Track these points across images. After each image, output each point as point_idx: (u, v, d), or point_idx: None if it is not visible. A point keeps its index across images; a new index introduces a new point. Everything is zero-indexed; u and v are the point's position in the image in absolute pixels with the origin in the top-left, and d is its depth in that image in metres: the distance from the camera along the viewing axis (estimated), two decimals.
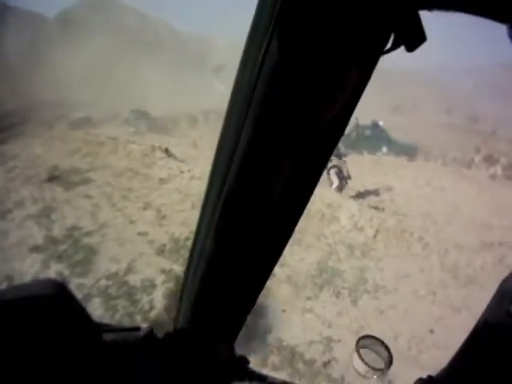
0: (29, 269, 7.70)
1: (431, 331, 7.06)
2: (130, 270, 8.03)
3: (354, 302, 7.81)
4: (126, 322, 6.51)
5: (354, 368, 1.29)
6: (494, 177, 21.53)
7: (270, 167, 0.93)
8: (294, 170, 0.94)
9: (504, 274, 1.16)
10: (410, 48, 0.70)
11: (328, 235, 10.56)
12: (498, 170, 22.40)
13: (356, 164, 17.04)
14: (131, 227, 9.84)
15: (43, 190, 11.40)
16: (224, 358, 1.53)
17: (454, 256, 9.78)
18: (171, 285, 7.64)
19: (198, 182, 12.69)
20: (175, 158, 15.96)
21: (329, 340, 6.67)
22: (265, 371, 1.65)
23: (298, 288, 8.06)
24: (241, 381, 1.56)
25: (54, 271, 7.70)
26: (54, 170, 12.98)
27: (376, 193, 16.69)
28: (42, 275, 7.52)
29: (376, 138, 27.78)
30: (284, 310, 7.35)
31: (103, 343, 1.04)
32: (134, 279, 7.74)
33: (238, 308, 1.35)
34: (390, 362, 1.29)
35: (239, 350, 1.56)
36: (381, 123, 28.47)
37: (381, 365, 1.30)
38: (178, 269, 8.07)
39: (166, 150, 16.06)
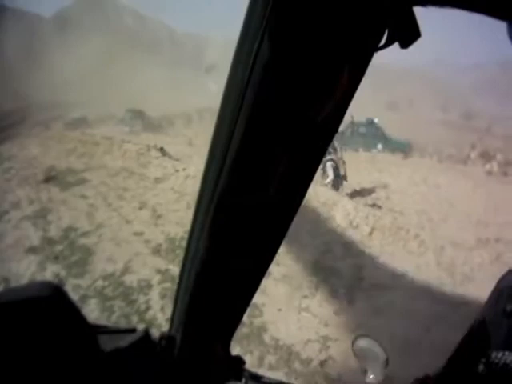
0: (25, 270, 7.70)
1: (428, 329, 7.07)
2: (126, 270, 8.03)
3: (351, 300, 7.82)
4: (123, 323, 6.51)
5: (351, 367, 1.29)
6: (490, 173, 21.60)
7: (263, 166, 0.93)
8: (288, 169, 0.94)
9: (501, 271, 1.15)
10: (405, 44, 0.70)
11: (323, 233, 10.57)
12: (494, 166, 22.48)
13: (351, 161, 17.05)
14: (127, 227, 9.84)
15: (39, 191, 11.40)
16: (219, 359, 1.53)
17: (451, 253, 9.79)
18: (167, 285, 7.64)
19: (193, 180, 12.68)
20: (170, 156, 15.98)
21: (325, 339, 6.67)
22: (261, 371, 1.66)
23: (293, 287, 8.06)
24: (237, 380, 1.55)
25: (50, 272, 7.71)
26: (50, 170, 12.98)
27: (371, 191, 16.72)
28: (39, 276, 7.53)
29: (371, 136, 27.90)
30: (280, 309, 7.35)
31: (98, 345, 1.04)
32: (131, 279, 7.74)
33: (233, 308, 1.35)
34: (386, 362, 1.29)
35: (235, 350, 1.56)
36: (376, 120, 28.60)
37: (377, 364, 1.29)
38: (174, 269, 8.07)
39: (161, 149, 16.10)
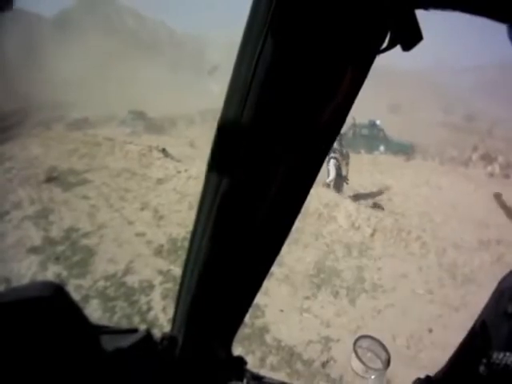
0: (26, 270, 7.69)
1: (430, 330, 7.06)
2: (127, 270, 8.03)
3: (352, 301, 7.81)
4: (124, 323, 6.51)
5: (352, 368, 1.29)
6: (491, 175, 21.55)
7: (266, 166, 0.93)
8: (290, 170, 0.94)
9: (502, 272, 1.16)
10: (407, 47, 0.70)
11: (325, 235, 10.56)
12: (496, 168, 22.44)
13: (353, 163, 17.04)
14: (129, 228, 9.84)
15: (41, 191, 11.41)
16: (221, 359, 1.53)
17: (452, 255, 9.78)
18: (169, 285, 7.64)
19: (195, 181, 12.69)
20: (172, 158, 15.97)
21: (327, 340, 6.66)
22: (263, 371, 1.66)
23: (295, 288, 8.06)
24: (238, 381, 1.56)
25: (51, 272, 7.70)
26: (51, 170, 12.99)
27: (373, 193, 16.70)
28: (40, 277, 7.52)
29: (373, 137, 27.85)
30: (282, 310, 7.34)
31: (100, 346, 1.04)
32: (132, 280, 7.73)
33: (235, 308, 1.35)
34: (387, 362, 1.29)
35: (237, 351, 1.56)
36: (378, 122, 28.52)
37: (379, 365, 1.30)
38: (176, 269, 8.07)
39: (163, 150, 16.08)
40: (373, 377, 1.26)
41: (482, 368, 1.04)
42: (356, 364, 1.31)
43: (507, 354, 0.98)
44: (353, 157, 16.87)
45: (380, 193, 16.93)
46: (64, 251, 8.48)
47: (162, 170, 14.07)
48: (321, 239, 10.29)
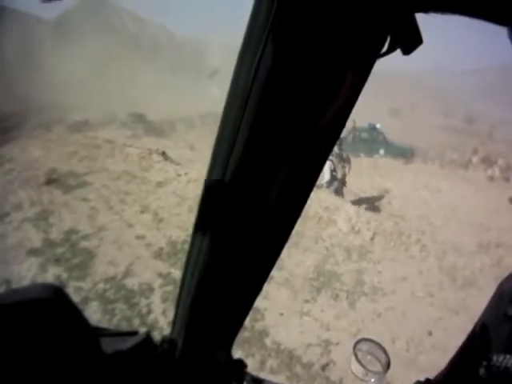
0: (26, 272, 7.69)
1: (429, 333, 7.05)
2: (127, 273, 8.03)
3: (352, 304, 7.81)
4: (124, 326, 6.51)
5: (352, 371, 1.29)
6: (491, 178, 21.53)
7: (266, 170, 0.93)
8: (290, 173, 0.94)
9: (502, 275, 1.16)
10: (407, 51, 0.70)
11: (325, 238, 10.56)
12: (496, 171, 22.42)
13: (353, 167, 17.04)
14: (129, 230, 9.84)
15: (41, 193, 11.41)
16: (221, 362, 1.53)
17: (452, 258, 9.78)
18: (169, 288, 7.64)
19: (195, 185, 12.69)
20: (172, 161, 15.97)
21: (327, 343, 6.66)
22: (262, 375, 1.66)
23: (295, 291, 8.06)
24: None
25: (51, 274, 7.70)
26: (51, 173, 12.99)
27: (374, 198, 16.68)
28: (40, 278, 7.53)
29: (373, 141, 27.82)
30: (282, 313, 7.34)
31: (100, 348, 1.04)
32: (132, 283, 7.74)
33: (235, 312, 1.35)
34: (387, 365, 1.29)
35: (237, 354, 1.56)
36: (378, 126, 28.51)
37: (378, 368, 1.30)
38: (176, 272, 8.07)
39: (163, 154, 16.08)
40: (373, 380, 1.26)
41: (482, 370, 1.04)
42: (356, 367, 1.31)
43: (507, 356, 0.98)
44: (353, 160, 16.87)
45: (380, 197, 16.91)
46: (64, 253, 8.48)
47: (162, 173, 14.07)
48: (321, 243, 10.29)
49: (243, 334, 6.39)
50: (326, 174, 14.13)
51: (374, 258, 9.68)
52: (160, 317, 6.88)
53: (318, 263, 9.19)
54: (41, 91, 37.59)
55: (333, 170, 14.33)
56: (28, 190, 11.52)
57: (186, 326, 1.37)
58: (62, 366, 0.90)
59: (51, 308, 0.88)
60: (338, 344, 6.63)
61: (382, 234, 10.79)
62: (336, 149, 13.97)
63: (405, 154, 26.86)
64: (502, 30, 0.67)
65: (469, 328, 1.20)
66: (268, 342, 6.57)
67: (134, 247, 9.04)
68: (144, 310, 7.00)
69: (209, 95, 49.98)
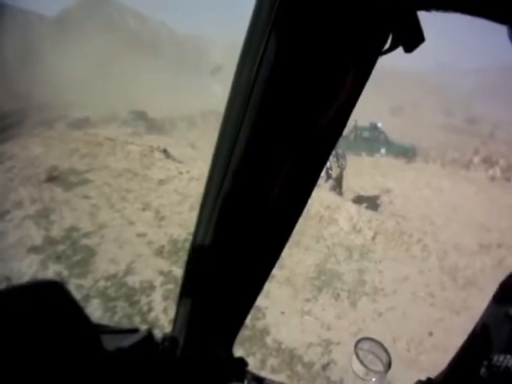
0: (27, 269, 7.70)
1: (430, 333, 7.06)
2: (128, 271, 8.04)
3: (353, 304, 7.81)
4: (125, 324, 6.51)
5: (353, 370, 1.29)
6: (492, 178, 21.49)
7: (268, 169, 0.93)
8: (292, 172, 0.94)
9: (503, 276, 1.15)
10: (409, 49, 0.70)
11: (326, 237, 10.56)
12: (497, 171, 22.38)
13: (354, 166, 17.03)
14: (130, 228, 9.85)
15: (42, 191, 11.42)
16: (222, 360, 1.53)
17: (453, 258, 9.78)
18: (170, 286, 7.64)
19: (197, 183, 12.71)
20: (174, 159, 15.99)
21: (328, 342, 6.66)
22: (263, 373, 1.64)
23: (296, 290, 8.06)
24: (239, 382, 1.55)
25: (52, 272, 7.70)
26: (52, 170, 13.01)
27: (375, 197, 16.65)
28: (41, 276, 7.52)
29: (374, 140, 27.77)
30: (283, 312, 7.34)
31: (101, 345, 1.04)
32: (133, 280, 7.74)
33: (236, 310, 1.35)
34: (388, 365, 1.29)
35: (237, 353, 1.56)
36: (379, 125, 28.45)
37: (380, 367, 1.29)
38: (177, 270, 8.08)
39: (165, 151, 16.09)
40: (374, 379, 1.26)
41: (482, 370, 1.03)
42: (357, 366, 1.30)
43: (508, 356, 0.98)
44: (354, 159, 16.87)
45: (381, 196, 16.87)
46: (65, 251, 8.49)
47: (164, 170, 14.09)
48: (322, 242, 10.29)
49: (244, 333, 6.39)
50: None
51: (375, 258, 9.69)
52: (161, 315, 6.88)
53: (319, 262, 9.20)
54: (41, 89, 37.58)
55: (329, 168, 14.33)
56: (29, 187, 11.53)
57: (188, 324, 1.36)
58: (62, 362, 0.90)
59: (52, 304, 0.88)
60: (338, 344, 6.63)
61: (384, 233, 10.79)
62: None
63: (406, 153, 26.80)
64: (504, 29, 0.66)
65: (470, 328, 1.19)
66: (269, 340, 6.57)
67: (135, 245, 9.05)
68: (145, 308, 7.00)
69: (210, 93, 49.95)
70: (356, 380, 1.27)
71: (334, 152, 14.82)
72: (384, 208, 14.99)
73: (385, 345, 1.34)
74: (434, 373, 1.35)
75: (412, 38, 0.69)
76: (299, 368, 6.06)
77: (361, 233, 10.92)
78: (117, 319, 6.60)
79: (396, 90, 77.98)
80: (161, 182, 13.18)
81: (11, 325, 0.80)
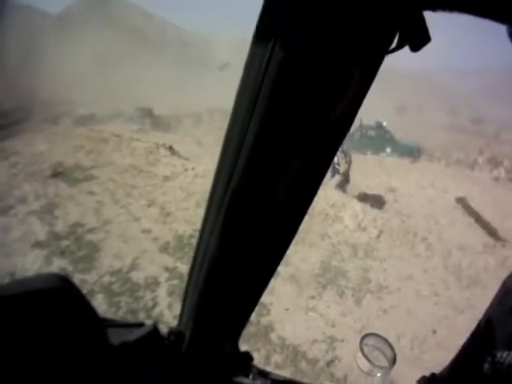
0: (31, 264, 7.70)
1: (434, 331, 7.06)
2: (133, 266, 8.04)
3: (358, 301, 7.82)
4: (129, 319, 6.52)
5: (358, 366, 1.30)
6: (497, 179, 21.46)
7: (275, 166, 0.94)
8: (299, 169, 0.94)
9: (506, 275, 1.16)
10: (415, 48, 0.71)
11: (331, 235, 10.57)
12: (502, 172, 22.36)
13: (360, 164, 17.01)
14: (135, 224, 9.86)
15: (46, 186, 11.42)
16: (228, 354, 1.54)
17: (457, 257, 9.78)
18: (175, 282, 7.65)
19: (202, 180, 12.72)
20: (179, 155, 16.01)
21: (332, 339, 6.68)
22: (267, 369, 1.65)
23: (301, 287, 8.07)
24: (245, 376, 1.56)
25: (56, 267, 7.70)
26: (57, 166, 13.01)
27: (380, 196, 16.63)
28: (45, 271, 7.53)
29: (380, 139, 27.75)
30: (287, 309, 7.35)
31: (108, 339, 1.05)
32: (138, 276, 7.75)
33: (242, 305, 1.36)
34: (393, 360, 1.30)
35: (242, 348, 1.57)
36: (385, 124, 28.42)
37: (384, 363, 1.30)
38: (182, 266, 8.08)
39: (170, 148, 16.10)
40: (378, 374, 1.26)
41: (486, 366, 1.04)
42: (362, 361, 1.31)
43: (511, 353, 0.99)
44: (359, 158, 16.85)
45: (386, 195, 16.84)
46: (69, 246, 8.50)
47: (169, 167, 14.10)
48: (327, 239, 10.30)
49: (249, 329, 6.40)
50: None
51: (379, 256, 9.70)
52: (165, 310, 6.89)
53: (324, 259, 9.21)
54: (46, 85, 37.46)
55: (336, 164, 14.34)
56: (33, 183, 11.53)
57: (194, 318, 1.37)
58: (69, 355, 0.91)
59: (59, 297, 0.88)
60: (343, 341, 6.65)
61: (388, 231, 10.80)
62: None
63: (411, 152, 26.76)
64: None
65: (473, 327, 1.20)
66: (273, 337, 6.59)
67: (140, 241, 9.06)
68: (149, 304, 7.01)
69: (216, 90, 49.83)
70: (360, 376, 1.28)
71: (341, 148, 14.85)
72: (389, 206, 15.00)
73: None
74: (437, 371, 1.36)
75: (418, 38, 0.71)
76: (303, 364, 6.08)
77: (366, 231, 10.94)
78: (121, 314, 6.61)
79: (400, 89, 77.75)
80: (166, 178, 13.19)
81: (16, 319, 0.81)
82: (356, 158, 16.97)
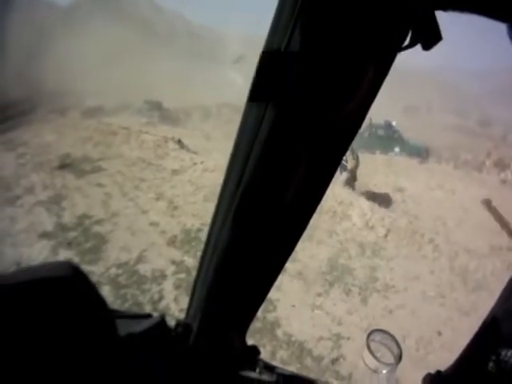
0: (37, 255, 7.72)
1: (439, 333, 7.07)
2: (140, 259, 8.07)
3: (364, 300, 7.83)
4: (136, 311, 6.54)
5: (365, 362, 1.30)
6: (504, 182, 21.41)
7: (286, 164, 0.94)
8: (309, 167, 0.95)
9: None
10: (427, 46, 0.72)
11: (339, 232, 10.59)
12: (509, 175, 22.29)
13: (368, 164, 17.00)
14: (143, 217, 9.89)
15: (54, 177, 11.46)
16: (235, 348, 1.54)
17: (464, 259, 9.78)
18: (182, 276, 7.67)
19: (211, 174, 12.75)
20: (188, 149, 16.04)
21: (338, 337, 6.70)
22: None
23: (308, 284, 8.09)
24: (251, 370, 1.57)
25: (63, 258, 7.70)
26: (65, 157, 13.05)
27: (388, 195, 16.59)
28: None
29: (389, 138, 27.67)
30: (294, 305, 7.37)
31: (116, 329, 1.05)
32: (145, 269, 7.78)
33: (250, 300, 1.36)
34: (399, 357, 1.30)
35: (248, 343, 1.58)
36: (394, 123, 28.34)
37: (391, 359, 1.30)
38: (189, 260, 8.10)
39: (179, 142, 16.13)
40: (384, 371, 1.27)
41: (491, 365, 1.05)
42: (368, 359, 1.31)
43: None
44: (368, 157, 16.84)
45: (392, 195, 16.81)
46: (76, 237, 8.53)
47: (178, 161, 14.13)
48: (334, 237, 10.32)
49: (255, 325, 6.42)
50: None
51: (387, 255, 9.71)
52: (172, 303, 6.91)
53: (332, 257, 9.23)
54: (54, 77, 37.42)
55: (344, 160, 14.32)
56: (41, 173, 11.56)
57: (202, 311, 1.38)
58: (77, 345, 0.91)
59: (69, 286, 0.89)
60: (348, 339, 6.67)
61: (396, 231, 10.80)
62: None
63: (420, 153, 26.67)
64: None
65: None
66: (279, 333, 6.61)
67: (147, 234, 9.09)
68: (156, 297, 7.04)
69: (226, 84, 49.71)
70: (365, 374, 1.28)
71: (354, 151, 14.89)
72: (397, 206, 15.00)
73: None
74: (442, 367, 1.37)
75: (430, 36, 0.71)
76: (308, 361, 6.10)
77: (373, 230, 10.94)
78: (127, 307, 6.63)
79: (409, 89, 77.38)
80: (175, 172, 13.22)
81: (25, 307, 0.82)
82: (365, 156, 17.01)
